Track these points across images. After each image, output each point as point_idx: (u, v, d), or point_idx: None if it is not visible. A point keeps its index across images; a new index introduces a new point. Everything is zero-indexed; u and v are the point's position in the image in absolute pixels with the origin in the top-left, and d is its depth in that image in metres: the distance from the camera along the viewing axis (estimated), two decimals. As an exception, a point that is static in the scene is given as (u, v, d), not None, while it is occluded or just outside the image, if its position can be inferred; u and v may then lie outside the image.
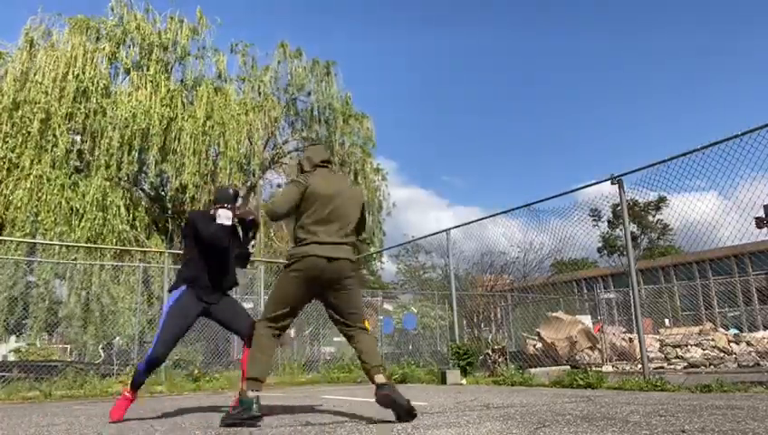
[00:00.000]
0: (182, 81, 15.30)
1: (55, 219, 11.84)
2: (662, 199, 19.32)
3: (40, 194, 11.84)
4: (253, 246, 3.86)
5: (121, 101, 13.37)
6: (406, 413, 2.98)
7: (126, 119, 13.04)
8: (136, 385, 3.61)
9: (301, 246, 3.24)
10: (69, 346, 12.53)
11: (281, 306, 3.32)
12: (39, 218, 11.73)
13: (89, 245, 11.55)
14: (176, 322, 3.50)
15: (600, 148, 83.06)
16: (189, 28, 15.77)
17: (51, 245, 11.34)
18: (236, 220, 3.73)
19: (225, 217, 3.60)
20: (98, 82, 13.52)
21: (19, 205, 11.53)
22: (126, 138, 13.06)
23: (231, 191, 3.77)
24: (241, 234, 3.85)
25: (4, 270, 10.48)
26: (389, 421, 2.98)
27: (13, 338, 13.35)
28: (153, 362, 3.52)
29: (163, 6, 25.29)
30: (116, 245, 12.07)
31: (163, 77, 14.29)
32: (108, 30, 14.60)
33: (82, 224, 11.95)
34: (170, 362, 8.70)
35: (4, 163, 11.91)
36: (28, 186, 11.72)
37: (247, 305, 11.23)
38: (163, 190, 14.97)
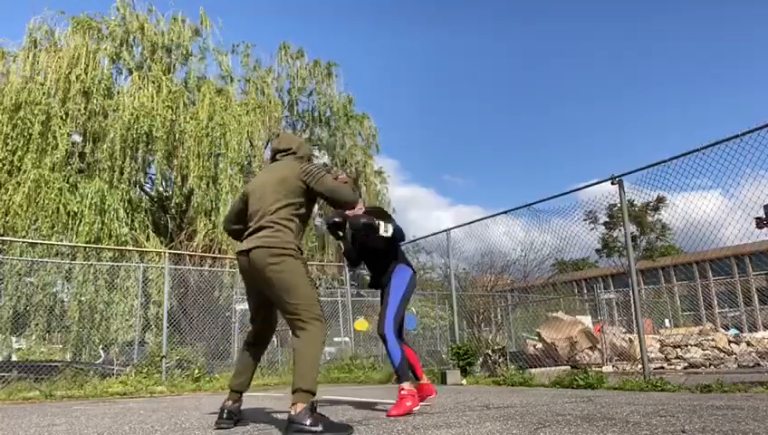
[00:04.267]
0: (186, 82, 15.30)
1: (53, 225, 11.79)
2: (660, 199, 19.33)
3: (38, 199, 11.78)
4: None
5: (123, 102, 13.36)
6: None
7: (128, 120, 13.03)
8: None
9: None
10: (69, 348, 12.53)
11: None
12: (37, 225, 11.68)
13: (88, 245, 11.51)
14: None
15: (604, 145, 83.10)
16: (192, 29, 15.78)
17: (51, 245, 11.30)
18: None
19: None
20: (100, 83, 13.52)
21: (18, 210, 11.47)
22: (128, 140, 13.05)
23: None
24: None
25: (10, 273, 10.46)
26: (388, 421, 2.98)
27: (13, 339, 13.34)
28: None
29: (165, 7, 25.25)
30: (114, 247, 12.02)
31: (165, 78, 14.28)
32: (110, 30, 14.59)
33: (80, 228, 11.90)
34: (172, 362, 8.69)
35: (4, 165, 11.87)
36: (26, 190, 11.65)
37: (247, 307, 11.22)
38: (166, 191, 14.97)
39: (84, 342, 11.51)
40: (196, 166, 13.50)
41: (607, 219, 26.62)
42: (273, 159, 3.31)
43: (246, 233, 3.02)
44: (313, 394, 2.64)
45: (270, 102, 16.86)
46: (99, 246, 11.66)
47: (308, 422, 2.54)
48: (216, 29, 16.33)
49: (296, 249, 2.89)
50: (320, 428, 2.54)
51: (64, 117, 12.64)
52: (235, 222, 3.26)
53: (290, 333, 3.05)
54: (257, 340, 3.25)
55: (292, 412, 2.58)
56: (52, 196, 11.89)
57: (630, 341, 10.44)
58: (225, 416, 3.03)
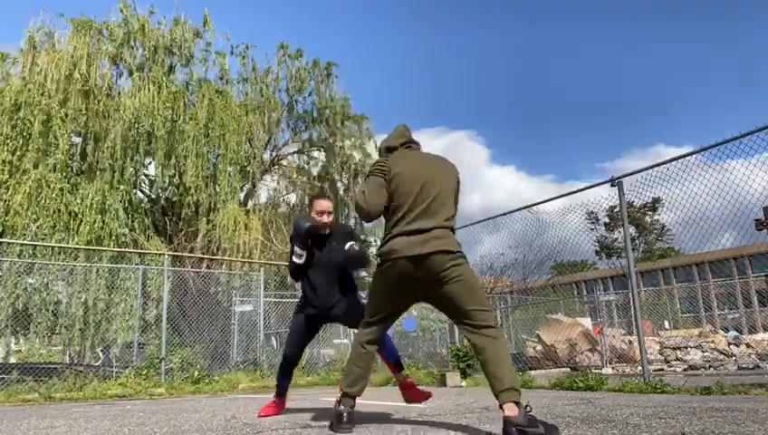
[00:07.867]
0: (187, 83, 15.30)
1: (54, 225, 11.77)
2: (657, 200, 19.40)
3: (39, 199, 11.75)
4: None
5: (123, 103, 13.35)
6: None
7: (129, 121, 13.02)
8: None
9: (387, 241, 2.74)
10: (68, 349, 12.49)
11: (378, 310, 2.89)
12: (37, 225, 11.65)
13: (89, 247, 11.48)
14: None
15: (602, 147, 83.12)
16: (193, 30, 15.79)
17: (50, 247, 11.28)
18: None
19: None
20: (101, 84, 13.51)
21: (18, 210, 11.44)
22: (129, 140, 13.03)
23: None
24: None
25: (8, 274, 10.43)
26: (389, 422, 2.98)
27: (12, 340, 13.32)
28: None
29: (166, 8, 25.26)
30: (115, 248, 11.97)
31: (166, 79, 14.28)
32: (111, 31, 14.58)
33: (81, 228, 11.88)
34: (172, 364, 8.68)
35: (5, 165, 11.85)
36: (27, 190, 11.61)
37: (246, 308, 11.21)
38: (165, 192, 14.94)
39: (84, 343, 11.49)
40: (195, 166, 13.49)
41: (607, 220, 26.64)
42: (409, 146, 2.98)
43: (412, 230, 2.65)
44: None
45: (270, 102, 16.87)
46: (99, 247, 11.62)
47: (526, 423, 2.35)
48: (216, 30, 16.34)
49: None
50: (540, 429, 2.33)
51: (64, 118, 12.61)
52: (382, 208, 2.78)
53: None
54: (379, 342, 3.06)
55: (510, 413, 2.38)
56: (53, 196, 11.86)
57: (630, 343, 10.45)
58: (346, 419, 2.84)
